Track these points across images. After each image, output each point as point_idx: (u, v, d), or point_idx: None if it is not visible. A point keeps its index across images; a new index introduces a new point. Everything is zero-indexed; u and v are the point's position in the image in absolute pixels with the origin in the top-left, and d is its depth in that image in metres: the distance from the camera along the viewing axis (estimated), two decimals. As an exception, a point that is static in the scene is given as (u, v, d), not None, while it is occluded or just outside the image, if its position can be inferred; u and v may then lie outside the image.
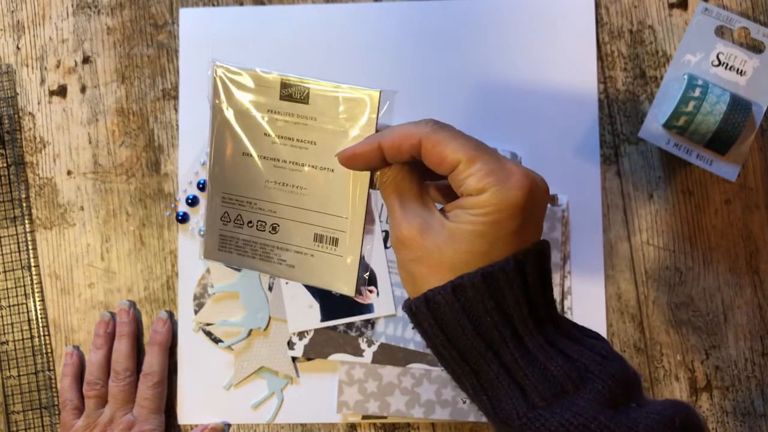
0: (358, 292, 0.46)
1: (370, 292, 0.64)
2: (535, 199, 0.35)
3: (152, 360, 0.63)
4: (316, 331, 0.64)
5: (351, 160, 0.40)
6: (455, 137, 0.36)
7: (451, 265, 0.35)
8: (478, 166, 0.35)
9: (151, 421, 0.62)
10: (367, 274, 0.47)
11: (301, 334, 0.64)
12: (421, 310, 0.36)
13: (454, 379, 0.38)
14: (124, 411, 0.62)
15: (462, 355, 0.36)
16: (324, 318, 0.64)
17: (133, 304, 0.66)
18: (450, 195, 0.39)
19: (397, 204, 0.38)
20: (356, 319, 0.64)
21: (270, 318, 0.65)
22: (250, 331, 0.65)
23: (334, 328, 0.64)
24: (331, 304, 0.64)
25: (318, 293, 0.64)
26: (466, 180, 0.35)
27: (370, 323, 0.64)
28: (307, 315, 0.64)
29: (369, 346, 0.64)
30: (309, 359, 0.65)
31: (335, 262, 0.46)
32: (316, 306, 0.64)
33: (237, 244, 0.47)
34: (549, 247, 0.37)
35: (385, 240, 0.64)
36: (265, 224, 0.46)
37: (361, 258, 0.45)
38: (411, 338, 0.63)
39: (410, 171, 0.39)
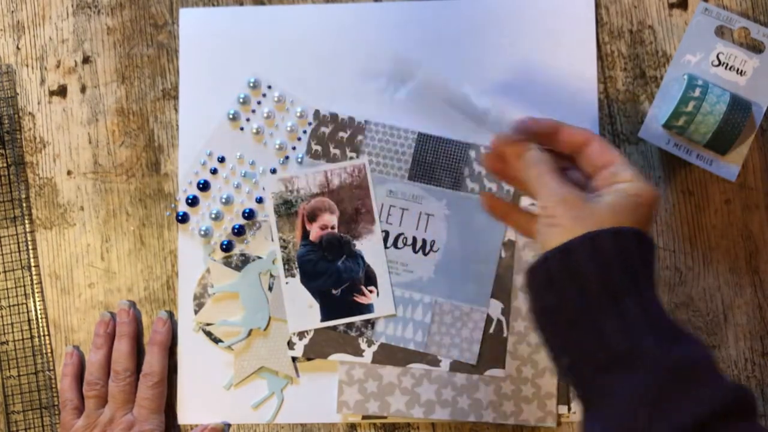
0: None
1: (371, 292, 0.64)
2: (657, 204, 0.48)
3: (152, 360, 0.63)
4: (316, 331, 0.64)
5: (533, 122, 0.50)
6: (613, 147, 0.49)
7: (610, 224, 0.44)
8: (632, 166, 0.48)
9: (150, 421, 0.62)
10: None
11: (301, 334, 0.64)
12: (581, 247, 0.44)
13: (557, 339, 0.45)
14: (123, 411, 0.63)
15: (606, 286, 0.43)
16: (324, 318, 0.64)
17: (133, 304, 0.66)
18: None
19: (557, 174, 0.48)
20: (356, 319, 0.64)
21: (270, 318, 0.65)
22: (250, 331, 0.65)
23: (334, 328, 0.64)
24: (331, 304, 0.64)
25: (318, 293, 0.64)
26: (623, 172, 0.47)
27: (370, 323, 0.64)
28: (307, 315, 0.64)
29: (369, 346, 0.64)
30: (309, 359, 0.65)
31: None
32: (316, 306, 0.64)
33: None
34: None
35: (385, 240, 0.64)
36: None
37: None
38: (411, 338, 0.63)
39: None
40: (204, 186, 0.66)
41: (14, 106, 0.69)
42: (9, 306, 0.67)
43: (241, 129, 0.67)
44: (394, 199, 0.65)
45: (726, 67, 0.61)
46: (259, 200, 0.66)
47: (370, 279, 0.64)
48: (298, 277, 0.64)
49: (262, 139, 0.67)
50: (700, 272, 0.64)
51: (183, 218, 0.66)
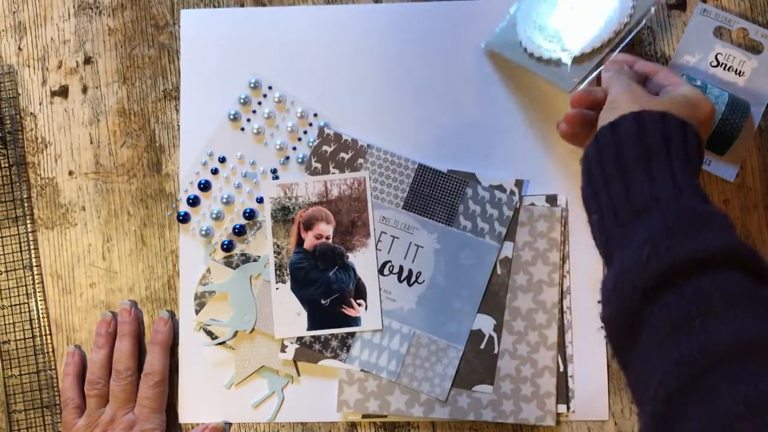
0: None
1: (359, 305, 0.64)
2: (712, 115, 0.55)
3: (153, 359, 0.64)
4: (300, 340, 0.64)
5: (616, 60, 0.60)
6: (679, 74, 0.59)
7: (663, 109, 0.51)
8: (694, 88, 0.56)
9: (152, 420, 0.62)
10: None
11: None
12: (627, 119, 0.50)
13: (598, 189, 0.50)
14: (125, 410, 0.63)
15: (643, 153, 0.48)
16: (311, 327, 0.64)
17: (134, 303, 0.67)
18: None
19: (631, 78, 0.56)
20: (342, 330, 0.64)
21: (256, 321, 0.65)
22: (236, 332, 0.65)
23: (310, 346, 0.64)
24: (319, 313, 0.64)
25: (307, 302, 0.64)
26: (684, 86, 0.55)
27: (346, 346, 0.64)
28: (294, 323, 0.64)
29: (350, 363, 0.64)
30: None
31: None
32: (304, 314, 0.64)
33: None
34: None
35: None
36: None
37: None
38: (384, 366, 0.63)
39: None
40: (205, 186, 0.67)
41: (16, 106, 0.69)
42: (11, 305, 0.67)
43: (242, 129, 0.67)
44: (386, 226, 0.65)
45: (724, 68, 0.62)
46: (260, 200, 0.66)
47: (360, 292, 0.64)
48: (288, 283, 0.64)
49: (263, 140, 0.67)
50: (698, 272, 0.64)
51: (184, 218, 0.67)
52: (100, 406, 0.63)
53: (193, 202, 0.66)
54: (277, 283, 0.64)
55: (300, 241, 0.65)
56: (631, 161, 0.48)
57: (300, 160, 0.66)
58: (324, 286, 0.64)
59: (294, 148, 0.67)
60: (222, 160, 0.67)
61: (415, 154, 0.66)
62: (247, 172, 0.67)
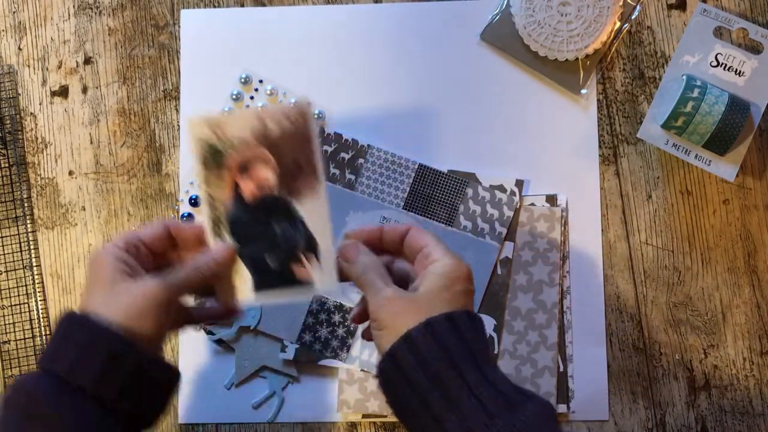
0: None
1: (310, 261, 0.54)
2: (471, 277, 0.49)
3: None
4: (300, 340, 0.64)
5: (358, 233, 0.53)
6: (427, 232, 0.51)
7: (426, 311, 0.46)
8: (442, 245, 0.50)
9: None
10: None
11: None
12: (401, 347, 0.45)
13: (414, 420, 0.45)
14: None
15: (433, 381, 0.44)
16: (258, 288, 0.54)
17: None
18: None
19: (382, 277, 0.49)
20: (294, 292, 0.54)
21: (262, 317, 0.65)
22: (239, 328, 0.65)
23: (310, 347, 0.64)
24: (265, 273, 0.54)
25: (250, 260, 0.54)
26: (433, 252, 0.49)
27: (346, 346, 0.64)
28: (237, 284, 0.53)
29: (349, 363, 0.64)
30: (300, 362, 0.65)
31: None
32: (248, 276, 0.54)
33: None
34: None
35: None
36: None
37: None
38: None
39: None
40: (205, 186, 0.66)
41: (16, 106, 0.69)
42: (11, 305, 0.67)
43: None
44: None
45: (724, 68, 0.62)
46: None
47: (311, 247, 0.54)
48: (227, 240, 0.53)
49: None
50: (698, 272, 0.64)
51: (187, 219, 0.67)
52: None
53: (195, 202, 0.66)
54: (214, 239, 0.53)
55: (237, 191, 0.54)
56: (439, 374, 0.44)
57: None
58: (269, 243, 0.54)
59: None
60: (222, 160, 0.67)
61: (415, 154, 0.66)
62: (247, 172, 0.67)
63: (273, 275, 0.54)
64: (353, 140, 0.66)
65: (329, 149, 0.66)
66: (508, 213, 0.64)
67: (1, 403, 0.44)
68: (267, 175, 0.53)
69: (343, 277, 0.52)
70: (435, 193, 0.65)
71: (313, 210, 0.54)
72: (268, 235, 0.54)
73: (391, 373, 0.46)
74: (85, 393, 0.44)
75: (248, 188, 0.54)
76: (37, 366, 0.46)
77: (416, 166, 0.65)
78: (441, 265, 0.48)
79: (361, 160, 0.65)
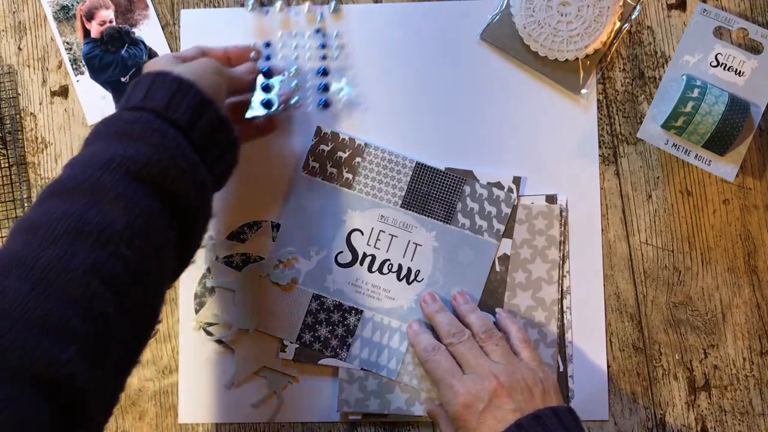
0: None
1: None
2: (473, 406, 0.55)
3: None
4: (300, 340, 0.64)
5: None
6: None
7: None
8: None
9: None
10: None
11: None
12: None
13: None
14: None
15: None
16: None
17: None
18: None
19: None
20: None
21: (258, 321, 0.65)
22: (238, 330, 0.65)
23: (310, 346, 0.64)
24: (123, 92, 0.62)
25: (109, 84, 0.68)
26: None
27: (346, 345, 0.64)
28: (104, 107, 0.71)
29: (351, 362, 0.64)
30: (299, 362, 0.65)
31: None
32: (109, 97, 0.68)
33: None
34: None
35: (371, 264, 0.64)
36: None
37: None
38: (384, 365, 0.63)
39: None
40: (204, 185, 0.67)
41: (16, 106, 0.69)
42: (11, 305, 0.67)
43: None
44: (385, 225, 0.65)
45: (724, 68, 0.62)
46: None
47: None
48: (86, 74, 0.67)
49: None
50: (698, 272, 0.64)
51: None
52: None
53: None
54: (76, 76, 0.67)
55: (87, 33, 0.68)
56: None
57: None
58: (120, 66, 0.68)
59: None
60: (222, 159, 0.67)
61: (412, 152, 0.66)
62: (247, 172, 0.67)
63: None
64: (350, 139, 0.66)
65: (326, 148, 0.66)
66: (506, 210, 0.64)
67: (93, 130, 0.48)
68: (108, 15, 0.68)
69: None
70: (433, 190, 0.65)
71: (149, 31, 0.68)
72: (117, 59, 0.68)
73: None
74: (179, 129, 0.48)
75: (95, 29, 0.68)
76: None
77: (414, 165, 0.65)
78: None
79: (358, 159, 0.65)
